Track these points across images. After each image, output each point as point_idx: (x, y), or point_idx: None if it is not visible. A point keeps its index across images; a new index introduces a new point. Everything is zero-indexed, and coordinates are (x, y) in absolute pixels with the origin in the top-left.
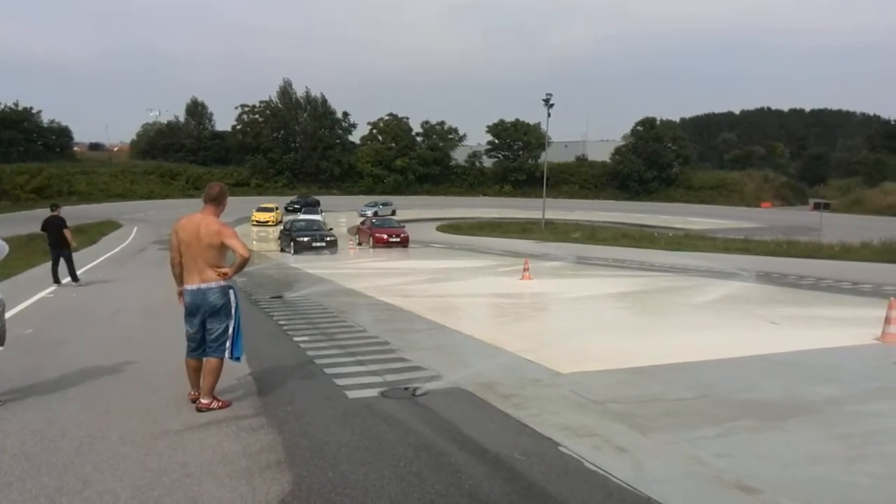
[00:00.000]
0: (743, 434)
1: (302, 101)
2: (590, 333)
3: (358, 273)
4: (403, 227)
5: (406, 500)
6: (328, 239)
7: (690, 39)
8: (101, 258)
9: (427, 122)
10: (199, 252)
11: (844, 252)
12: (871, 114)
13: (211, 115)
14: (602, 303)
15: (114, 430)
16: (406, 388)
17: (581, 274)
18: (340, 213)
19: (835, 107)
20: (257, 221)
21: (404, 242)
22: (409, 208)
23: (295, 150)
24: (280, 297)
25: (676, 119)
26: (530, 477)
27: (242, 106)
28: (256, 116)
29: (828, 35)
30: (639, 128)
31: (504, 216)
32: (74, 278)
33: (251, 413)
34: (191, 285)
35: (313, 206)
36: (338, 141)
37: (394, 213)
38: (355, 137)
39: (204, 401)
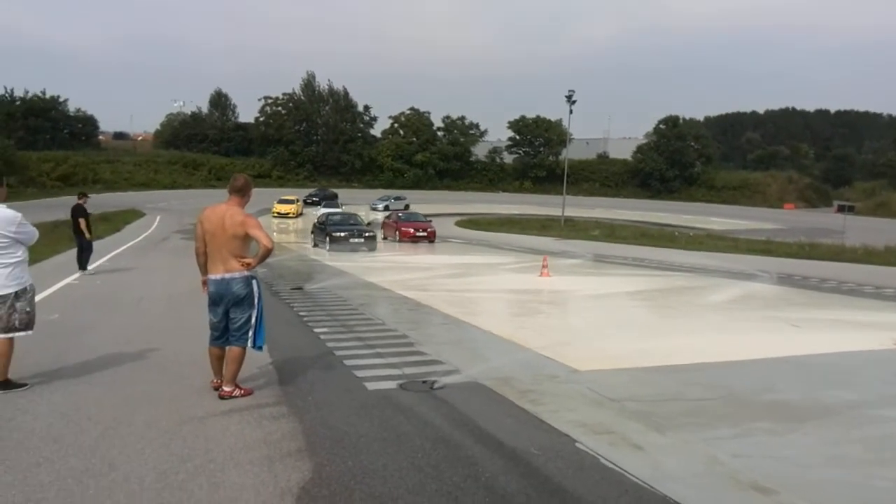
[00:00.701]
0: (760, 435)
1: (324, 93)
2: (607, 331)
3: (377, 266)
4: (430, 221)
5: (424, 491)
6: (367, 234)
7: (715, 36)
8: (125, 246)
9: (448, 117)
10: (223, 242)
11: (868, 255)
12: None
13: (234, 106)
14: (620, 301)
15: (139, 415)
16: (424, 382)
17: (600, 272)
18: (358, 207)
19: (861, 108)
20: (278, 213)
21: (431, 237)
22: (428, 203)
23: (316, 143)
24: (300, 288)
25: (700, 118)
26: (546, 472)
27: (266, 98)
28: (279, 108)
29: (853, 33)
30: (661, 126)
31: (523, 213)
32: (81, 267)
33: (272, 402)
34: (215, 275)
35: (332, 200)
36: (359, 134)
37: (407, 207)
38: (376, 131)
39: (226, 389)
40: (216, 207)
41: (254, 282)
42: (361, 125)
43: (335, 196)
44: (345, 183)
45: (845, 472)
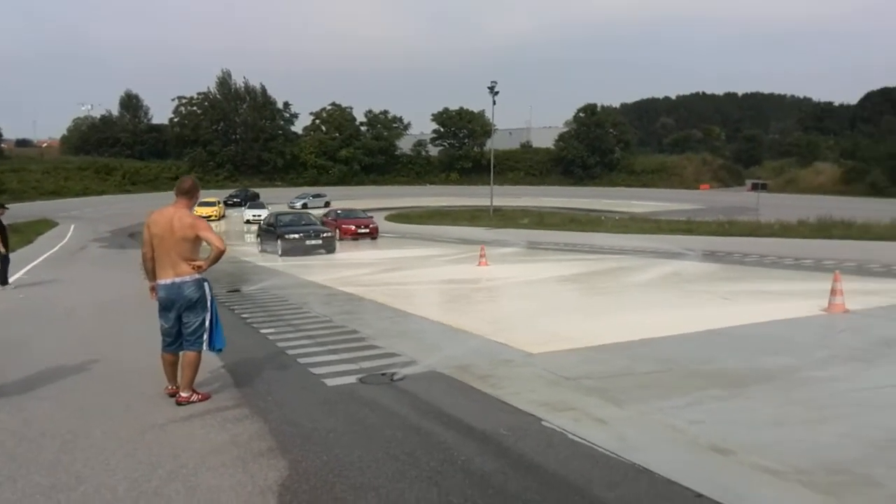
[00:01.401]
0: (711, 402)
1: (241, 91)
2: (553, 315)
3: (313, 265)
4: (371, 217)
5: (404, 478)
6: (325, 235)
7: (626, 26)
8: (41, 258)
9: (371, 112)
10: (172, 246)
11: (783, 230)
12: (802, 96)
13: (147, 108)
14: (560, 285)
15: (95, 427)
16: (383, 374)
17: (535, 259)
18: (279, 206)
19: (766, 90)
20: (199, 216)
21: (373, 233)
22: (355, 199)
23: (235, 142)
24: (237, 290)
25: (617, 105)
26: (518, 450)
27: (179, 98)
28: (195, 108)
29: (757, 20)
30: (581, 114)
31: (452, 204)
32: (2, 282)
33: (232, 404)
34: (165, 280)
35: (254, 200)
36: (280, 132)
37: (327, 204)
38: (298, 128)
39: (184, 394)
40: (163, 210)
41: (205, 284)
42: (282, 122)
43: (257, 196)
44: (267, 182)
45: (791, 430)
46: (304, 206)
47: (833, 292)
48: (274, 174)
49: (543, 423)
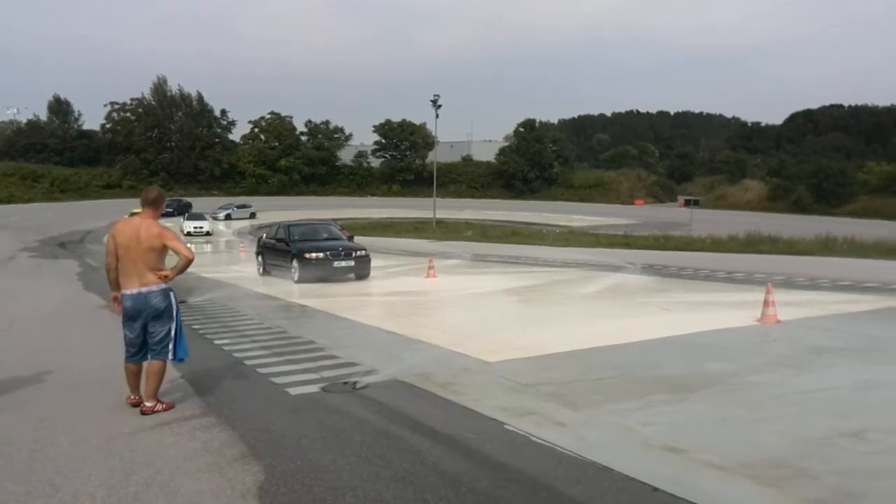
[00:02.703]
0: (660, 405)
1: (176, 98)
2: (505, 325)
3: (258, 277)
4: (342, 228)
5: (378, 479)
6: (358, 254)
7: (564, 44)
8: None
9: (311, 122)
10: (139, 256)
11: (715, 245)
12: (730, 116)
13: (77, 113)
14: (509, 297)
15: (61, 436)
16: (345, 383)
17: (482, 271)
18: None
19: (696, 109)
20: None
21: None
22: (295, 209)
23: (171, 150)
24: (184, 301)
25: (555, 120)
26: (485, 452)
27: (112, 103)
28: (128, 114)
29: (687, 44)
30: (520, 129)
31: (394, 216)
32: None
33: (198, 413)
34: (130, 289)
35: (188, 209)
36: (217, 140)
37: (252, 216)
38: (236, 136)
39: (148, 404)
40: (129, 221)
41: (171, 294)
42: (219, 130)
43: (189, 206)
44: (204, 191)
45: (734, 429)
46: (228, 216)
47: (765, 303)
48: (211, 183)
49: (506, 426)
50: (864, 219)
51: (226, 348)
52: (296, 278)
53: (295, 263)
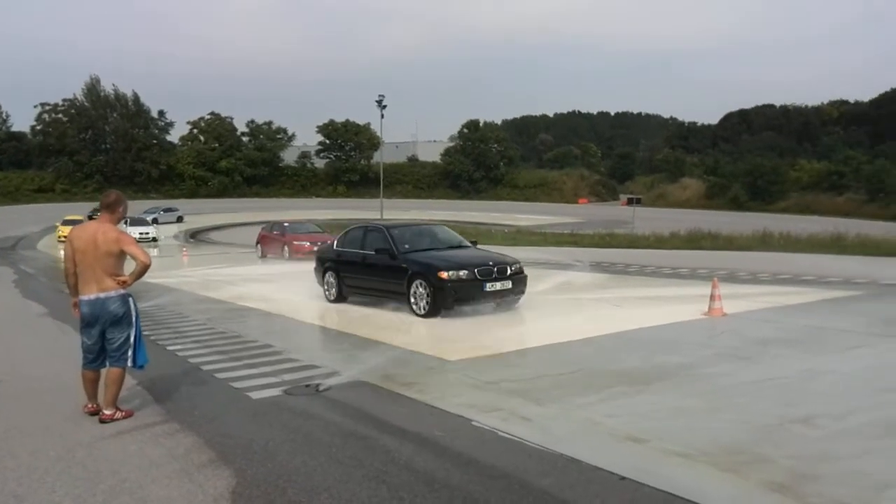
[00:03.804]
0: (620, 398)
1: (111, 98)
2: (461, 325)
3: (206, 281)
4: (324, 231)
5: (351, 479)
6: (514, 270)
7: (504, 47)
8: None
9: (253, 122)
10: (96, 261)
11: (658, 242)
12: (668, 116)
13: (5, 114)
14: None
15: (19, 447)
16: (308, 385)
17: None
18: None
19: (636, 110)
20: (65, 237)
21: None
22: (237, 211)
23: (105, 152)
24: None
25: (498, 121)
26: (455, 449)
27: (43, 104)
28: (60, 116)
29: (626, 45)
30: (465, 129)
31: (340, 217)
32: None
33: (159, 420)
34: (88, 295)
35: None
36: (154, 141)
37: (179, 219)
38: (174, 137)
39: (107, 412)
40: (86, 225)
41: (130, 299)
42: (156, 131)
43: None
44: (142, 194)
45: (692, 419)
46: (155, 220)
47: (712, 297)
48: (148, 185)
49: (474, 423)
50: (797, 215)
51: (180, 354)
52: (422, 309)
53: (420, 288)
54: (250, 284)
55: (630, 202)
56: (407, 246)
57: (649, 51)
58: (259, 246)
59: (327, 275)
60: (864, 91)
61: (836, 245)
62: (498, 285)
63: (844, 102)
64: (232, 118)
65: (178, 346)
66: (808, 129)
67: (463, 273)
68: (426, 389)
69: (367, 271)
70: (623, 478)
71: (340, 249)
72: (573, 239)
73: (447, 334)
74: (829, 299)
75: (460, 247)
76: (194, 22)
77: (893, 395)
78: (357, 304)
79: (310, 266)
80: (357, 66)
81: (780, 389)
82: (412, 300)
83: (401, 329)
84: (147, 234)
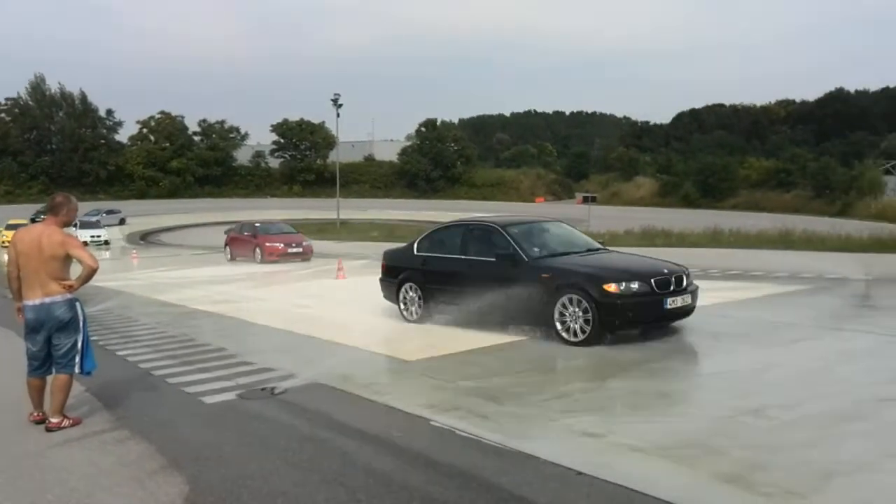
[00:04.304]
0: (577, 394)
1: (56, 97)
2: (420, 324)
3: (158, 283)
4: (299, 232)
5: (308, 482)
6: (688, 280)
7: (460, 46)
8: None
9: (205, 121)
10: (40, 265)
11: (613, 239)
12: (621, 116)
13: None
14: None
15: None
16: (263, 389)
17: None
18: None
19: (590, 109)
20: (8, 242)
21: (307, 253)
22: (190, 212)
23: (51, 153)
24: None
25: (455, 120)
26: (414, 449)
27: None
28: (2, 115)
29: (579, 45)
30: (422, 128)
31: (296, 217)
32: None
33: (108, 427)
34: (32, 300)
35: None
36: (102, 141)
37: (122, 221)
38: (123, 137)
39: (54, 420)
40: (31, 228)
41: (77, 304)
42: (104, 131)
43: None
44: (90, 195)
45: (648, 413)
46: (98, 222)
47: None
48: (97, 186)
49: (432, 423)
50: (747, 211)
51: (130, 359)
52: (576, 334)
53: (572, 306)
54: (202, 287)
55: (585, 200)
56: (537, 250)
57: (603, 51)
58: (228, 248)
59: (406, 288)
60: (809, 91)
61: (784, 241)
62: (679, 300)
63: (791, 102)
64: (183, 117)
65: (129, 351)
66: (756, 128)
67: (636, 285)
68: (385, 390)
69: (475, 283)
70: (580, 473)
71: (426, 255)
72: None
73: (404, 335)
74: (778, 294)
75: (597, 250)
76: (146, 18)
77: (839, 386)
78: (441, 324)
79: (264, 267)
80: (314, 63)
81: (732, 382)
82: (559, 323)
83: (358, 329)
84: (99, 237)
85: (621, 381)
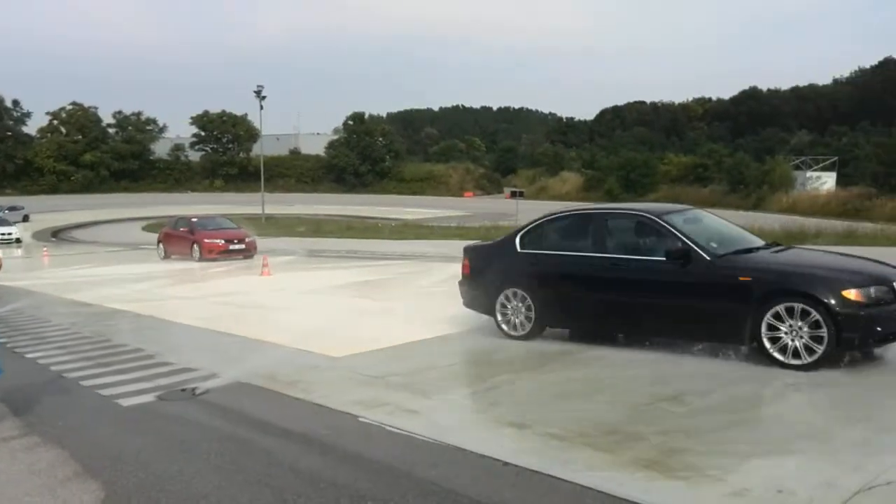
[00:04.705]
0: (504, 386)
1: None
2: (347, 320)
3: (69, 283)
4: (240, 227)
5: (232, 484)
6: None
7: (386, 39)
8: None
9: (120, 113)
10: None
11: None
12: (547, 112)
13: None
14: (350, 291)
15: None
16: (184, 390)
17: (319, 266)
18: None
19: (517, 105)
20: None
21: (250, 249)
22: (105, 207)
23: None
24: None
25: (383, 114)
26: (342, 447)
27: None
28: None
29: (505, 41)
30: (349, 122)
31: (219, 212)
32: None
33: (17, 434)
34: None
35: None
36: (9, 133)
37: (26, 218)
38: (32, 129)
39: None
40: None
41: None
42: (11, 122)
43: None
44: None
45: (572, 402)
46: (6, 220)
47: None
48: (3, 181)
49: (360, 419)
50: None
51: (41, 362)
52: (799, 355)
53: (792, 318)
54: (118, 286)
55: (513, 195)
56: (715, 245)
57: (528, 47)
58: (161, 245)
59: (507, 295)
60: (725, 89)
61: None
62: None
63: (708, 100)
64: (97, 108)
65: (40, 354)
66: (675, 125)
67: (880, 290)
68: (311, 388)
69: (622, 290)
70: (507, 463)
71: (537, 252)
72: (460, 232)
73: (330, 329)
74: None
75: (773, 245)
76: (55, 4)
77: (750, 373)
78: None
79: (185, 264)
80: (235, 53)
81: (651, 370)
82: (769, 340)
83: (283, 327)
84: (10, 234)
85: (547, 372)
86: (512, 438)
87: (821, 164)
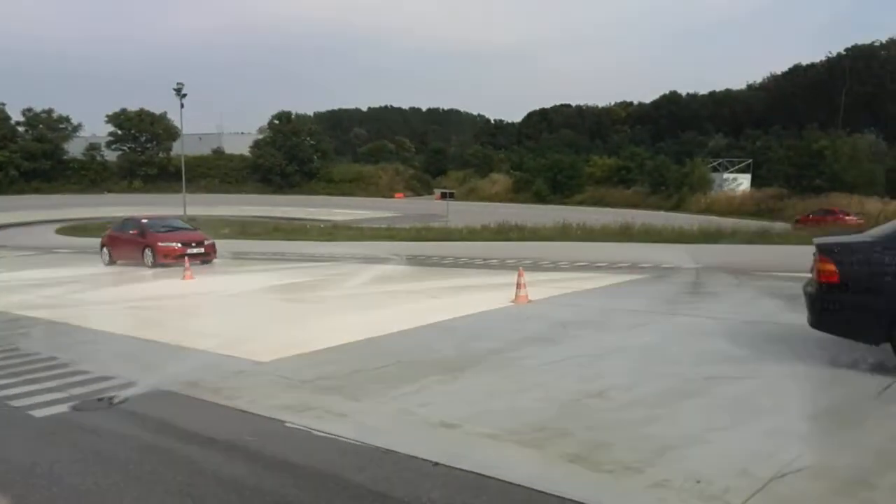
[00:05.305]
0: (434, 386)
1: None
2: (275, 323)
3: None
4: (197, 229)
5: (152, 495)
6: None
7: (311, 37)
8: None
9: (30, 110)
10: None
11: (470, 234)
12: (476, 113)
13: None
14: (276, 294)
15: None
16: (100, 399)
17: (244, 269)
18: None
19: (446, 106)
20: None
21: (210, 253)
22: (13, 210)
23: None
24: None
25: (311, 113)
26: (267, 453)
27: None
28: None
29: (435, 43)
30: (275, 121)
31: (137, 214)
32: None
33: None
34: None
35: None
36: None
37: None
38: None
39: None
40: None
41: None
42: None
43: None
44: None
45: (500, 401)
46: None
47: (518, 286)
48: None
49: (287, 424)
50: (592, 207)
51: None
52: None
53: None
54: (31, 291)
55: (444, 197)
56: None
57: (458, 49)
58: (105, 249)
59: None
60: (646, 94)
61: (625, 234)
62: None
63: (630, 104)
64: (4, 104)
65: None
66: (599, 128)
67: None
68: (237, 394)
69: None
70: (436, 464)
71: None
72: (390, 233)
73: (256, 334)
74: (620, 283)
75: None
76: None
77: (672, 367)
78: None
79: (101, 268)
80: (154, 50)
81: (578, 367)
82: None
83: (206, 332)
84: None
85: (478, 370)
86: (441, 438)
87: (736, 167)
